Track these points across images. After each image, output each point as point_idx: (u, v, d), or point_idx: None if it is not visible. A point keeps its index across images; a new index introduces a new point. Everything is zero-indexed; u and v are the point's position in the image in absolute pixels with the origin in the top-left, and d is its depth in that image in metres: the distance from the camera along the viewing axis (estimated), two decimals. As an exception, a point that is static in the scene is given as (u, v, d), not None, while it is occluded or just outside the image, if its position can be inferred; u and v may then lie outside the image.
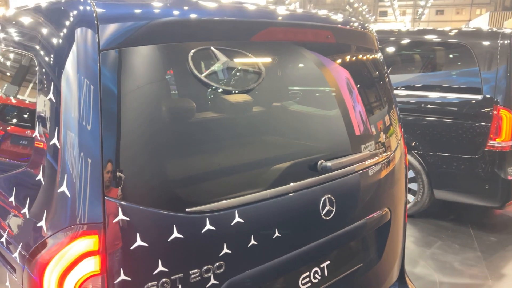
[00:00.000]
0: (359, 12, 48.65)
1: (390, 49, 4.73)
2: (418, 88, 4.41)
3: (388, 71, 2.69)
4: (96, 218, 1.22)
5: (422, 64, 4.63)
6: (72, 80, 1.27)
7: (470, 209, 4.72)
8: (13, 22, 1.73)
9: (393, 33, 4.83)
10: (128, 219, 1.26)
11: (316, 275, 1.80)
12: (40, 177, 1.33)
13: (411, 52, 4.74)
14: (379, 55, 2.21)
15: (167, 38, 1.40)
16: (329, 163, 1.70)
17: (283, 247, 1.61)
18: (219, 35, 1.53)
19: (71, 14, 1.34)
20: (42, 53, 1.40)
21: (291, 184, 1.62)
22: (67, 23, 1.33)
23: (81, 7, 1.32)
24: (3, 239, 1.45)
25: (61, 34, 1.34)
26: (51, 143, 1.29)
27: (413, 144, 4.31)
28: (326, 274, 1.84)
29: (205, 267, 1.40)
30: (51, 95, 1.31)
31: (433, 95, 4.28)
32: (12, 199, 1.47)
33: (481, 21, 26.53)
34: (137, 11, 1.37)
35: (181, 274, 1.35)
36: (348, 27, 2.02)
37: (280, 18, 1.74)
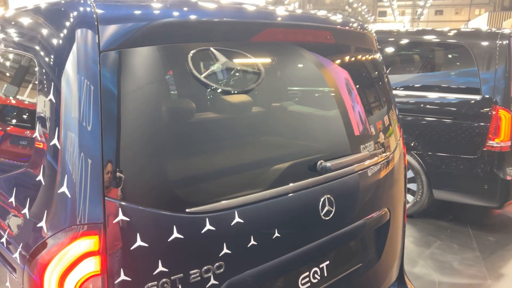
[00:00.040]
0: (358, 12, 48.68)
1: (389, 50, 4.74)
2: (417, 89, 4.42)
3: (387, 71, 2.69)
4: (96, 219, 1.23)
5: (421, 65, 4.63)
6: (72, 80, 1.27)
7: (469, 209, 4.73)
8: (13, 23, 1.73)
9: (392, 34, 4.83)
10: (128, 219, 1.26)
11: (316, 275, 1.80)
12: (40, 177, 1.33)
13: (410, 52, 4.75)
14: (378, 56, 2.22)
15: (167, 39, 1.40)
16: (328, 164, 1.71)
17: (283, 247, 1.61)
18: (219, 36, 1.54)
19: (71, 15, 1.35)
20: (42, 53, 1.40)
21: (291, 184, 1.63)
22: (68, 24, 1.34)
23: (81, 8, 1.33)
24: (4, 240, 1.46)
25: (62, 35, 1.34)
26: (51, 143, 1.30)
27: (412, 144, 4.32)
28: (325, 274, 1.84)
29: (205, 267, 1.41)
30: (51, 96, 1.32)
31: (432, 95, 4.29)
32: (12, 199, 1.47)
33: (480, 21, 26.56)
34: (137, 12, 1.38)
35: (181, 274, 1.36)
36: (347, 27, 2.03)
37: (279, 19, 1.75)
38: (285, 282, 1.73)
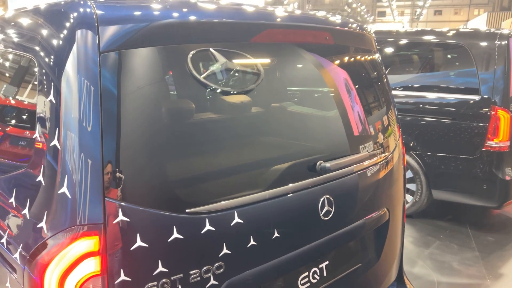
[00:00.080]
0: (357, 12, 48.70)
1: (389, 50, 4.74)
2: (416, 89, 4.43)
3: (387, 71, 2.70)
4: (97, 219, 1.23)
5: (420, 65, 4.64)
6: (72, 81, 1.27)
7: (468, 209, 4.74)
8: (13, 24, 1.73)
9: (391, 34, 4.84)
10: (128, 219, 1.26)
11: (315, 275, 1.81)
12: (40, 178, 1.33)
13: (409, 52, 4.75)
14: (377, 56, 2.22)
15: (166, 40, 1.40)
16: (328, 164, 1.71)
17: (282, 247, 1.62)
18: (219, 36, 1.54)
19: (71, 16, 1.35)
20: (42, 54, 1.41)
21: (290, 184, 1.63)
22: (68, 24, 1.34)
23: (81, 9, 1.33)
24: (4, 240, 1.46)
25: (62, 35, 1.34)
26: (51, 144, 1.30)
27: (411, 145, 4.33)
28: (325, 274, 1.85)
29: (204, 268, 1.41)
30: (51, 96, 1.32)
31: (431, 95, 4.30)
32: (12, 200, 1.47)
33: (479, 22, 26.59)
34: (137, 13, 1.38)
35: (181, 275, 1.36)
36: (346, 28, 2.03)
37: (279, 19, 1.75)
38: (284, 282, 1.73)
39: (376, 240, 2.13)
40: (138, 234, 1.27)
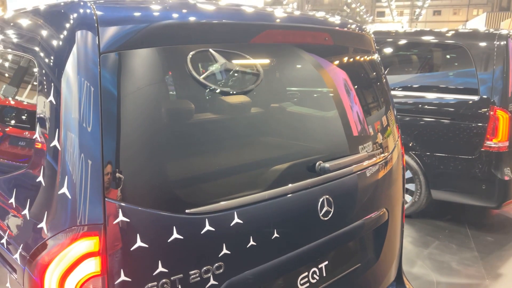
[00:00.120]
0: (356, 12, 48.72)
1: (388, 50, 4.75)
2: (415, 89, 4.43)
3: (386, 72, 2.70)
4: (97, 219, 1.23)
5: (419, 65, 4.65)
6: (72, 82, 1.28)
7: (467, 209, 4.74)
8: (13, 25, 1.73)
9: (390, 34, 4.85)
10: (128, 220, 1.27)
11: (315, 275, 1.81)
12: (40, 178, 1.34)
13: (408, 53, 4.76)
14: (376, 57, 2.23)
15: (166, 41, 1.41)
16: (327, 164, 1.71)
17: (282, 247, 1.62)
18: (218, 37, 1.55)
19: (71, 16, 1.35)
20: (42, 55, 1.41)
21: (290, 185, 1.63)
22: (68, 25, 1.34)
23: (81, 10, 1.33)
24: (4, 240, 1.46)
25: (62, 36, 1.35)
26: (51, 144, 1.30)
27: (410, 145, 4.33)
28: (324, 274, 1.85)
29: (204, 268, 1.41)
30: (51, 97, 1.32)
31: (430, 95, 4.30)
32: (12, 200, 1.47)
33: (478, 22, 26.61)
34: (137, 14, 1.38)
35: (181, 275, 1.36)
36: (345, 29, 2.04)
37: (278, 20, 1.75)
38: (284, 282, 1.73)
39: (375, 240, 2.13)
40: (138, 235, 1.28)
